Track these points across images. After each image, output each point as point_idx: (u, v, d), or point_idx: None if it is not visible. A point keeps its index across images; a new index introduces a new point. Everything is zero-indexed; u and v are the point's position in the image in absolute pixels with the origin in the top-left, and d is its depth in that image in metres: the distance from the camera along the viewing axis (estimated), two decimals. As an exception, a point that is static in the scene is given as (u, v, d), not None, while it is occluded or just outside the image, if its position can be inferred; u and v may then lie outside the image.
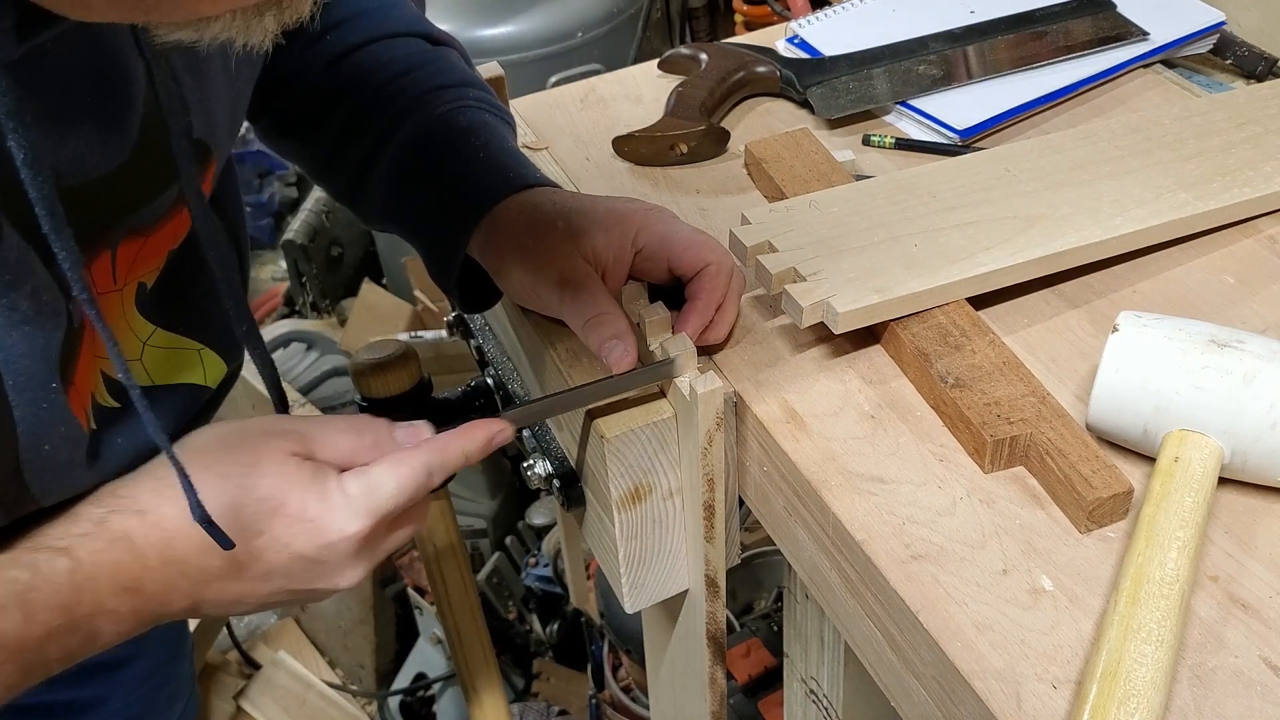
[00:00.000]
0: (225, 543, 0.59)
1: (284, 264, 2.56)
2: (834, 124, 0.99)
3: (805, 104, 1.01)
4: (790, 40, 1.08)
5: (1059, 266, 0.77)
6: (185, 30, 0.46)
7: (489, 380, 0.93)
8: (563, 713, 1.85)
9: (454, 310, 0.97)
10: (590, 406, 0.71)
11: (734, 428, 0.74)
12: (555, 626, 1.93)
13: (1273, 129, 0.87)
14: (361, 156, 0.81)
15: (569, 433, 0.78)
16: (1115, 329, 0.65)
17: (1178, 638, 0.55)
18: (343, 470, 0.63)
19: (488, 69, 0.96)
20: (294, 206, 2.73)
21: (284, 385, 0.79)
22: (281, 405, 0.78)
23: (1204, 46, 1.04)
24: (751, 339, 0.77)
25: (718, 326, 0.74)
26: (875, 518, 0.64)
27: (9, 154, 0.50)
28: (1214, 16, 1.03)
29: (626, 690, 1.65)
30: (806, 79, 1.00)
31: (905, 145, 0.96)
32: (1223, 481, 0.63)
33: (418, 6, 0.88)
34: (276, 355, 2.26)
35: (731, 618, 1.52)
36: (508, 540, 2.04)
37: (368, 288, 2.40)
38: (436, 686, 1.90)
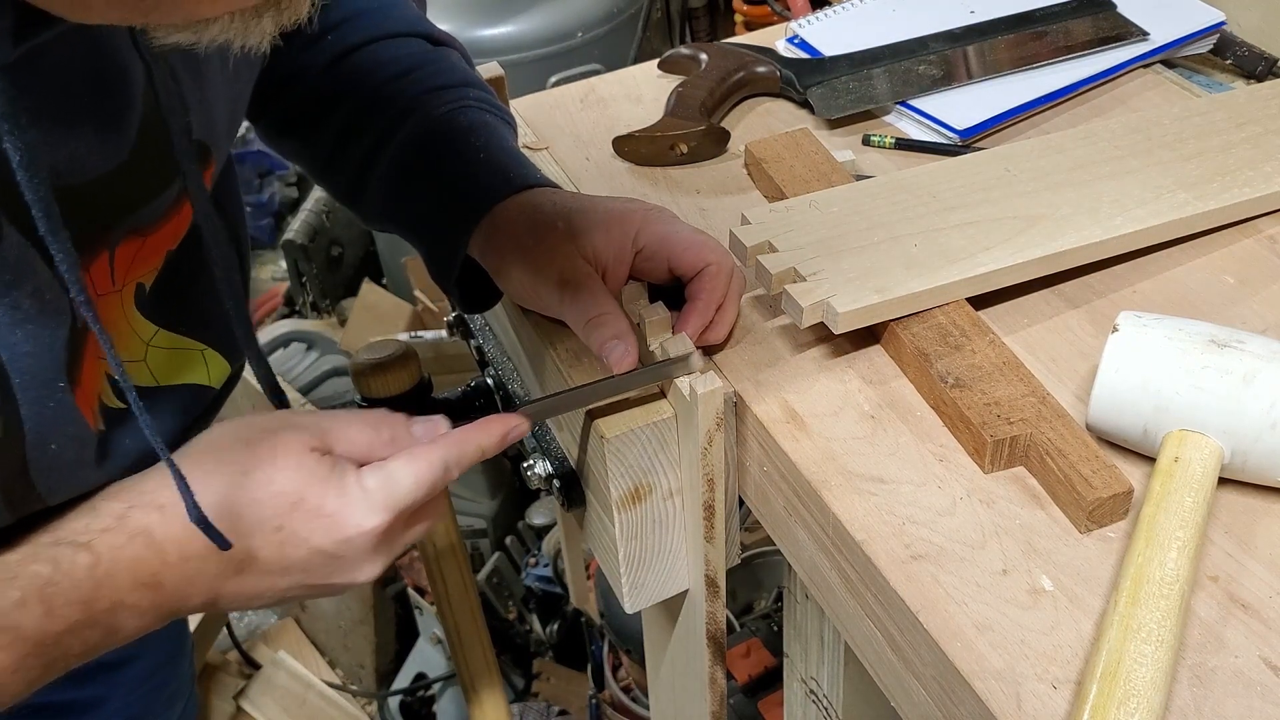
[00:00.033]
0: (222, 544, 0.60)
1: (284, 264, 2.56)
2: (834, 124, 0.99)
3: (805, 104, 1.01)
4: (790, 40, 1.08)
5: (1059, 266, 0.77)
6: (184, 32, 0.46)
7: (489, 380, 0.93)
8: (563, 713, 1.85)
9: (454, 310, 0.97)
10: (605, 402, 0.71)
11: (734, 428, 0.74)
12: (555, 626, 1.93)
13: (1273, 129, 0.87)
14: (362, 156, 0.81)
15: (569, 433, 0.78)
16: (1115, 329, 0.65)
17: (1178, 638, 0.55)
18: (360, 465, 0.64)
19: (488, 69, 0.96)
20: (294, 206, 2.73)
21: (283, 386, 0.79)
22: (279, 402, 0.78)
23: (1204, 46, 1.04)
24: (751, 339, 0.77)
25: (718, 327, 0.74)
26: (875, 518, 0.64)
27: (6, 155, 0.50)
28: (1214, 16, 1.03)
29: (626, 690, 1.65)
30: (806, 79, 1.00)
31: (905, 145, 0.96)
32: (1223, 481, 0.63)
33: (418, 6, 0.88)
34: (276, 355, 2.26)
35: (731, 618, 1.52)
36: (508, 540, 2.04)
37: (368, 288, 2.40)
38: (436, 686, 1.90)
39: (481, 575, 1.95)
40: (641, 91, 1.05)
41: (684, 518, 0.77)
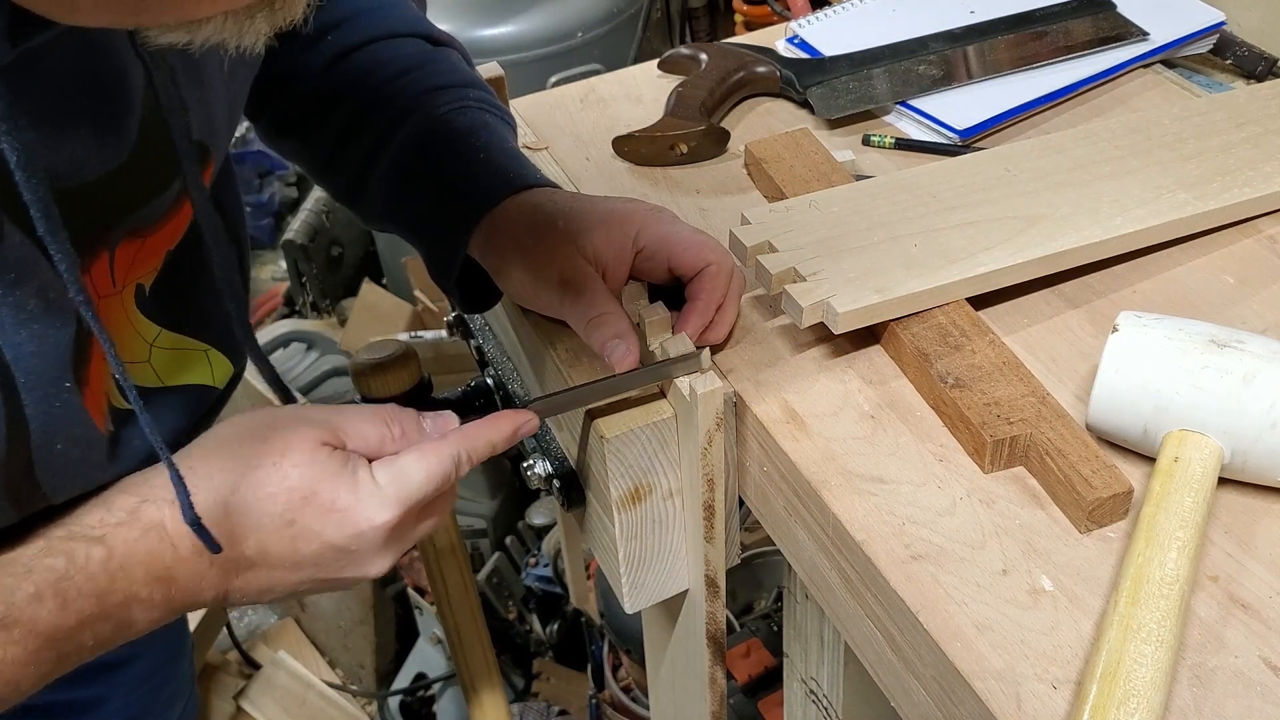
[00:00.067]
0: (213, 546, 0.60)
1: (284, 264, 2.56)
2: (834, 124, 0.99)
3: (805, 104, 1.01)
4: (790, 40, 1.08)
5: (1059, 266, 0.77)
6: (177, 32, 0.46)
7: (489, 380, 0.93)
8: (563, 713, 1.85)
9: (454, 310, 0.97)
10: (603, 402, 0.71)
11: (734, 428, 0.74)
12: (555, 626, 1.93)
13: (1273, 129, 0.87)
14: (361, 157, 0.81)
15: (569, 433, 0.78)
16: (1115, 329, 0.65)
17: (1178, 638, 0.55)
18: (372, 460, 0.64)
19: (488, 69, 0.96)
20: (294, 206, 2.72)
21: (281, 380, 0.79)
22: (285, 399, 0.78)
23: (1204, 46, 1.04)
24: (751, 339, 0.77)
25: (718, 327, 0.74)
26: (875, 518, 0.64)
27: (4, 156, 0.50)
28: (1214, 16, 1.03)
29: (626, 690, 1.65)
30: (806, 79, 1.00)
31: (905, 145, 0.96)
32: (1223, 481, 0.63)
33: (418, 6, 0.88)
34: (276, 355, 2.26)
35: (731, 618, 1.52)
36: (508, 540, 2.04)
37: (368, 288, 2.40)
38: (436, 686, 1.90)
39: (481, 575, 1.95)
40: (641, 91, 1.05)
41: (684, 518, 0.77)
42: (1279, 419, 0.61)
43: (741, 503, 0.78)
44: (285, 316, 2.57)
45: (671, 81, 1.03)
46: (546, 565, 1.94)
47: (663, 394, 0.73)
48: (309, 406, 0.67)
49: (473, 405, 0.92)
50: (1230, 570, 0.60)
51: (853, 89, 0.99)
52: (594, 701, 1.69)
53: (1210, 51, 1.04)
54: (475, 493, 2.05)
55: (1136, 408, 0.64)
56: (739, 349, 0.76)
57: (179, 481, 0.58)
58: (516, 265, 0.74)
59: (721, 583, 0.79)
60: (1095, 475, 0.62)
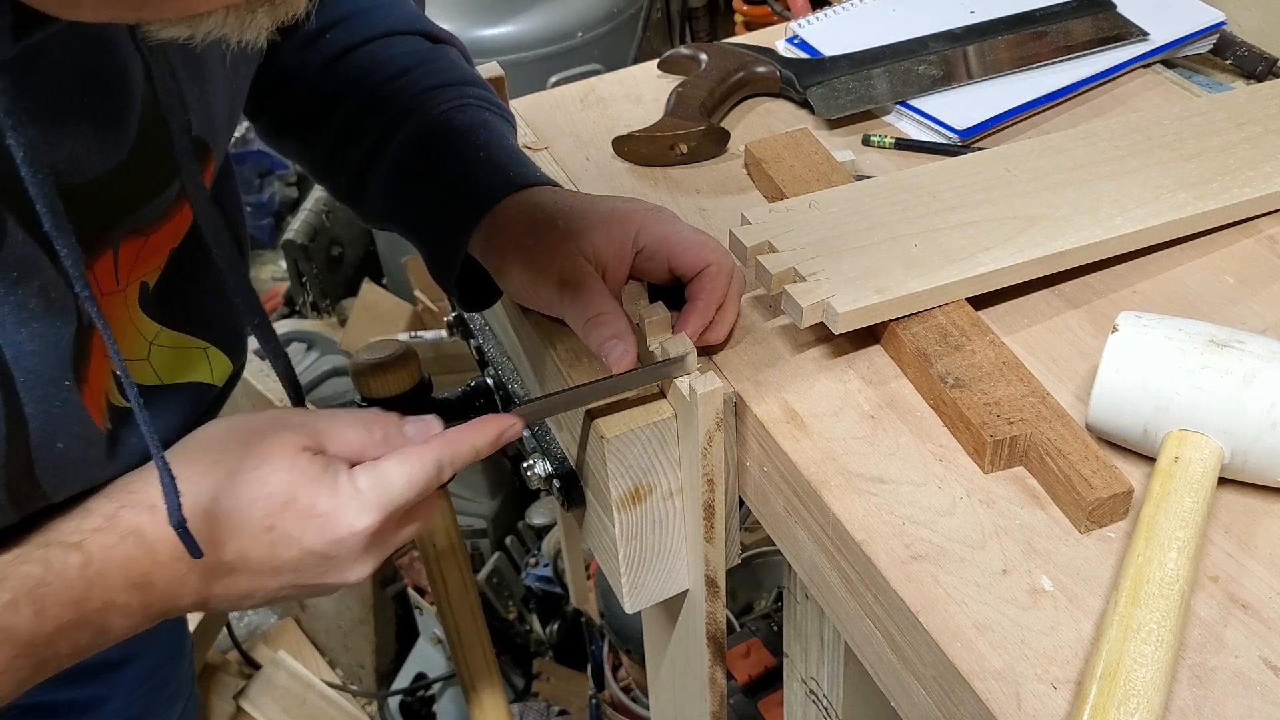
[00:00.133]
0: (194, 551, 0.59)
1: (284, 264, 2.56)
2: (834, 124, 0.99)
3: (805, 104, 1.01)
4: (790, 40, 1.08)
5: (1059, 266, 0.77)
6: (179, 27, 0.46)
7: (489, 380, 0.93)
8: (563, 713, 1.85)
9: (454, 310, 0.97)
10: (598, 404, 0.71)
11: (734, 428, 0.74)
12: (555, 626, 1.93)
13: (1273, 129, 0.87)
14: (361, 156, 0.81)
15: (569, 433, 0.78)
16: (1115, 329, 0.65)
17: (1178, 638, 0.55)
18: (353, 465, 0.63)
19: (488, 69, 0.96)
20: (294, 206, 2.73)
21: (295, 375, 0.79)
22: (295, 394, 0.78)
23: (1204, 46, 1.04)
24: (751, 339, 0.77)
25: (718, 327, 0.74)
26: (875, 518, 0.64)
27: (10, 152, 0.50)
28: (1214, 16, 1.03)
29: (626, 690, 1.65)
30: (806, 79, 1.00)
31: (905, 145, 0.96)
32: (1223, 481, 0.63)
33: (417, 4, 0.88)
34: (277, 355, 2.26)
35: (731, 618, 1.52)
36: (508, 540, 2.04)
37: (368, 288, 2.41)
38: (436, 686, 1.90)
39: (481, 575, 1.95)
40: (641, 91, 1.05)
41: (684, 518, 0.77)
42: (1279, 419, 0.61)
43: (741, 503, 0.78)
44: (285, 316, 2.57)
45: (671, 81, 1.03)
46: (546, 565, 1.94)
47: (663, 394, 0.73)
48: (290, 411, 0.66)
49: (473, 405, 0.92)
50: (1230, 570, 0.60)
51: (853, 89, 0.99)
52: (594, 701, 1.69)
53: (1210, 51, 1.04)
54: (475, 493, 2.05)
55: (1136, 408, 0.64)
56: (739, 349, 0.76)
57: (170, 484, 0.58)
58: (516, 264, 0.74)
59: (721, 583, 0.79)
60: (1095, 475, 0.62)
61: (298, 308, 2.57)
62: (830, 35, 1.07)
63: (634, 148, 0.95)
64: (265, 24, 0.46)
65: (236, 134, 2.43)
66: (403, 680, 1.95)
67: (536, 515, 2.04)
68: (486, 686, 1.50)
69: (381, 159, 0.80)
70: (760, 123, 1.01)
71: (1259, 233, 0.83)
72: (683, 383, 0.70)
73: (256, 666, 1.95)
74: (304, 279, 2.50)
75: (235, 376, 0.81)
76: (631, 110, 1.03)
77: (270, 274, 2.80)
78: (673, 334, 0.72)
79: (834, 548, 0.66)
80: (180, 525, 0.58)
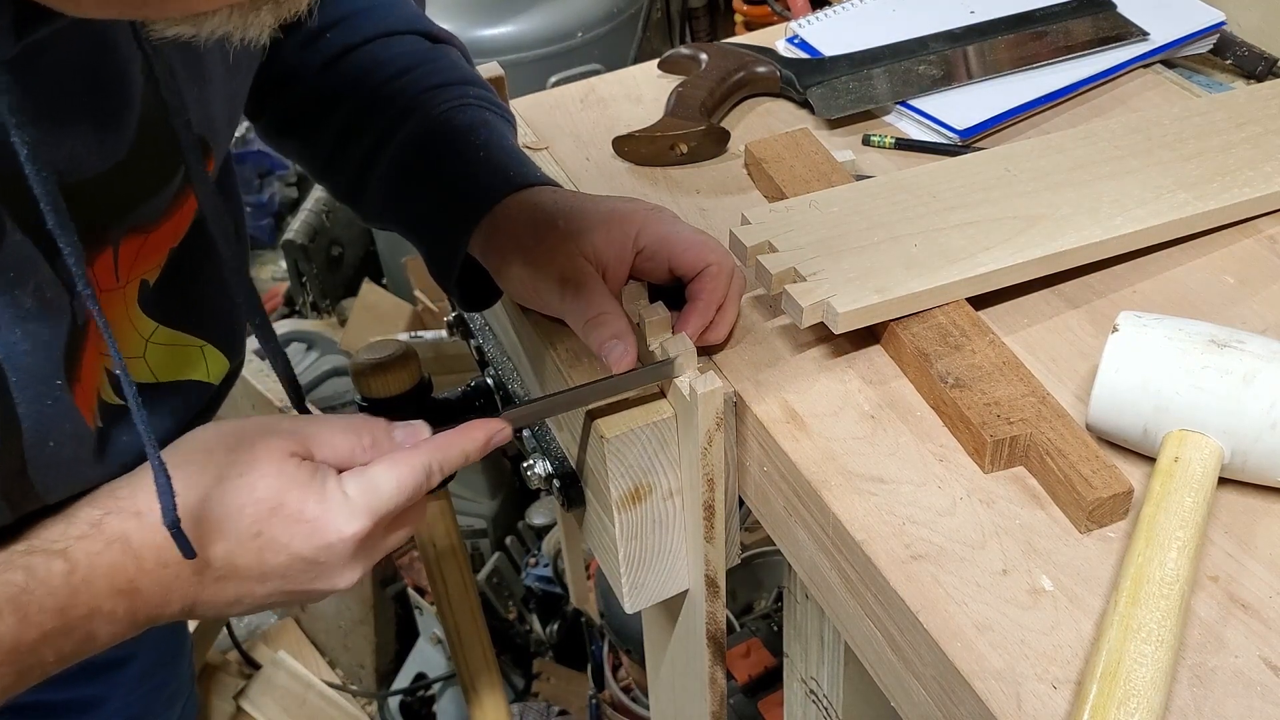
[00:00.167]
0: (187, 552, 0.59)
1: (284, 264, 2.56)
2: (834, 124, 0.99)
3: (805, 104, 1.01)
4: (790, 40, 1.08)
5: (1059, 266, 0.77)
6: (182, 25, 0.46)
7: (489, 380, 0.93)
8: (563, 713, 1.85)
9: (454, 310, 0.97)
10: (590, 406, 0.71)
11: (734, 428, 0.74)
12: (555, 626, 1.93)
13: (1273, 129, 0.87)
14: (361, 156, 0.81)
15: (569, 433, 0.78)
16: (1115, 329, 0.65)
17: (1178, 638, 0.55)
18: (341, 470, 0.63)
19: (488, 69, 0.96)
20: (294, 206, 2.73)
21: (294, 375, 0.78)
22: (295, 394, 0.78)
23: (1204, 46, 1.04)
24: (751, 339, 0.77)
25: (718, 327, 0.74)
26: (875, 518, 0.64)
27: (11, 151, 0.50)
28: (1214, 16, 1.03)
29: (626, 690, 1.65)
30: (806, 79, 1.00)
31: (905, 145, 0.96)
32: (1223, 481, 0.63)
33: (417, 4, 0.88)
34: (277, 355, 2.26)
35: (731, 618, 1.52)
36: (508, 540, 2.04)
37: (368, 288, 2.41)
38: (436, 686, 1.90)
39: (481, 575, 1.95)
40: (641, 91, 1.05)
41: (684, 518, 0.77)
42: (1279, 419, 0.61)
43: (741, 503, 0.78)
44: (285, 316, 2.57)
45: (671, 81, 1.03)
46: (546, 565, 1.94)
47: (663, 394, 0.73)
48: (278, 417, 0.66)
49: (473, 405, 0.92)
50: (1230, 570, 0.60)
51: (853, 89, 0.99)
52: (594, 701, 1.69)
53: (1210, 51, 1.04)
54: (475, 493, 2.05)
55: (1136, 408, 0.64)
56: (739, 349, 0.76)
57: (166, 484, 0.57)
58: (517, 264, 0.74)
59: (721, 583, 0.79)
60: (1095, 475, 0.62)
61: (298, 308, 2.57)
62: (830, 35, 1.07)
63: (634, 148, 0.95)
64: (269, 21, 0.46)
65: (236, 134, 2.43)
66: (403, 680, 1.95)
67: (536, 515, 2.04)
68: (486, 686, 1.50)
69: (381, 159, 0.80)
70: (760, 123, 1.01)
71: (1259, 233, 0.83)
72: (683, 383, 0.70)
73: (256, 666, 1.95)
74: (304, 279, 2.50)
75: (232, 376, 0.81)
76: (631, 110, 1.03)
77: (270, 274, 2.80)
78: (673, 334, 0.72)
79: (834, 548, 0.66)
80: (175, 526, 0.58)
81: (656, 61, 1.08)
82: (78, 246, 0.52)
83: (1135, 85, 1.02)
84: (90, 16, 0.47)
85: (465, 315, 0.96)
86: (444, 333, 1.79)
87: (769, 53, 1.04)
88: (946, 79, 1.00)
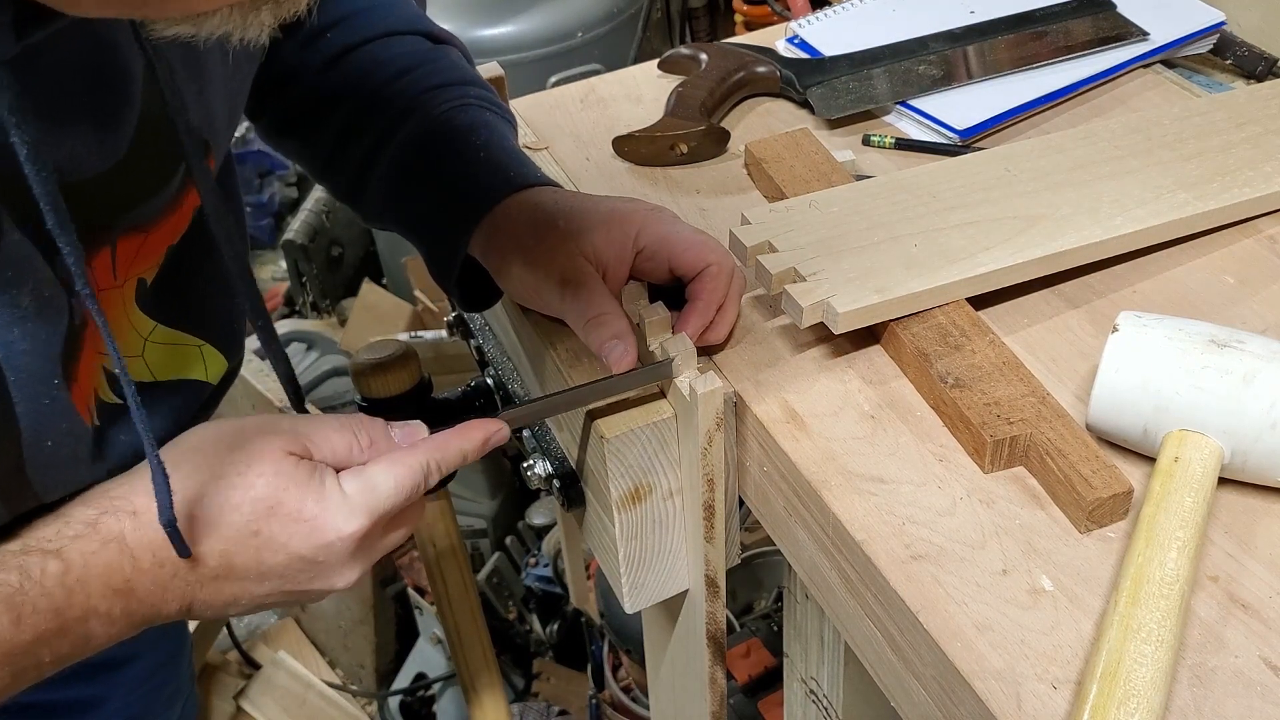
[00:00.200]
0: (182, 550, 0.59)
1: (284, 264, 2.56)
2: (834, 124, 0.99)
3: (805, 104, 1.01)
4: (790, 40, 1.08)
5: (1059, 266, 0.77)
6: (182, 25, 0.46)
7: (489, 380, 0.93)
8: (563, 713, 1.85)
9: (454, 310, 0.97)
10: (589, 407, 0.71)
11: (734, 428, 0.74)
12: (555, 626, 1.93)
13: (1273, 129, 0.87)
14: (362, 156, 0.81)
15: (569, 433, 0.78)
16: (1115, 329, 0.65)
17: (1178, 638, 0.55)
18: (339, 470, 0.63)
19: (488, 69, 0.96)
20: (294, 206, 2.73)
21: (295, 377, 0.78)
22: (295, 395, 0.78)
23: (1204, 46, 1.04)
24: (751, 339, 0.77)
25: (718, 327, 0.74)
26: (875, 518, 0.64)
27: (11, 150, 0.50)
28: (1214, 16, 1.03)
29: (626, 690, 1.65)
30: (806, 79, 1.00)
31: (905, 145, 0.96)
32: (1223, 481, 0.63)
33: (418, 4, 0.88)
34: (277, 355, 2.26)
35: (731, 618, 1.52)
36: (508, 540, 2.04)
37: (368, 288, 2.41)
38: (436, 686, 1.90)
39: (481, 575, 1.95)
40: (641, 91, 1.05)
41: (684, 518, 0.77)
42: (1279, 419, 0.61)
43: (741, 503, 0.78)
44: (285, 316, 2.57)
45: (671, 81, 1.03)
46: (546, 565, 1.94)
47: (663, 394, 0.73)
48: (276, 416, 0.66)
49: (473, 405, 0.92)
50: (1230, 570, 0.60)
51: (853, 89, 0.99)
52: (594, 701, 1.69)
53: (1210, 51, 1.04)
54: (475, 493, 2.05)
55: (1136, 408, 0.64)
56: (739, 349, 0.76)
57: (163, 482, 0.57)
58: (517, 264, 0.74)
59: (721, 583, 0.79)
60: (1095, 475, 0.62)
61: (298, 308, 2.57)
62: (830, 35, 1.07)
63: (634, 148, 0.95)
64: (268, 21, 0.46)
65: (236, 134, 2.43)
66: (403, 680, 1.95)
67: (536, 515, 2.04)
68: (486, 686, 1.50)
69: (382, 158, 0.80)
70: (760, 123, 1.01)
71: (1259, 233, 0.83)
72: (683, 383, 0.70)
73: (256, 666, 1.95)
74: (304, 279, 2.50)
75: (231, 375, 0.81)
76: (631, 110, 1.03)
77: (270, 274, 2.80)
78: (673, 334, 0.72)
79: (834, 548, 0.66)
80: (170, 524, 0.58)
81: (656, 61, 1.08)
82: (78, 246, 0.52)
83: (1135, 85, 1.02)
84: (90, 16, 0.47)
85: (465, 315, 0.96)
86: (444, 333, 1.79)
87: (769, 53, 1.04)
88: (946, 79, 1.00)
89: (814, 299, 0.72)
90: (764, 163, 0.90)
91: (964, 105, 0.97)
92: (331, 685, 1.93)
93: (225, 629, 1.93)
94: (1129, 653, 0.54)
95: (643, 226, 0.74)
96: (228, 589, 0.62)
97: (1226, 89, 1.01)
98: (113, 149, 0.61)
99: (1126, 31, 1.03)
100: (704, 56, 1.02)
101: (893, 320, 0.73)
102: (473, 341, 0.95)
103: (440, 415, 0.68)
